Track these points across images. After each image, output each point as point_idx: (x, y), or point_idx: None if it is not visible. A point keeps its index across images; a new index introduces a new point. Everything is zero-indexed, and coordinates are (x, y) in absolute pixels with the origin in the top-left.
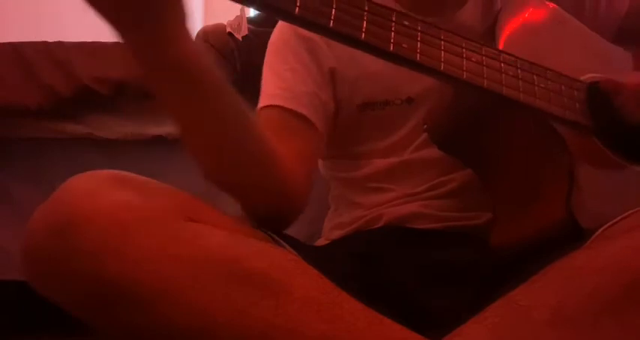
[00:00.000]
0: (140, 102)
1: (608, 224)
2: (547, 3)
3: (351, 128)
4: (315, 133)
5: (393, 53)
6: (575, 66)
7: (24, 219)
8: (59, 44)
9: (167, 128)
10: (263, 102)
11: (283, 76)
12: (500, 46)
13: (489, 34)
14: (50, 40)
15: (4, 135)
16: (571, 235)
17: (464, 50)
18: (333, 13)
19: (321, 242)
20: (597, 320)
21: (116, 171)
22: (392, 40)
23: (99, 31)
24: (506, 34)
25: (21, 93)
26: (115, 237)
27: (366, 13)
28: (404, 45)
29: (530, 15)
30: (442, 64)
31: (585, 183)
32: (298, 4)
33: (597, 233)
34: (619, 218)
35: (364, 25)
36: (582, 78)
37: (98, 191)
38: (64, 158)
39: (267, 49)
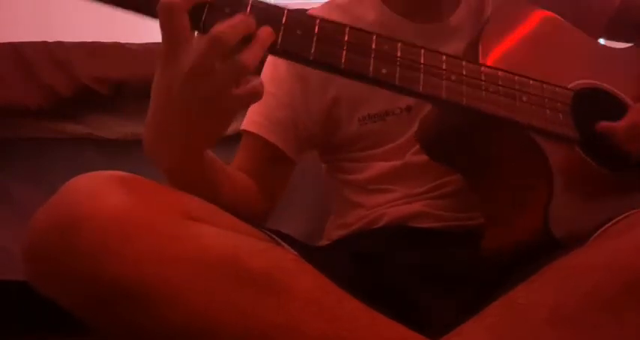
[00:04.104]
0: (140, 102)
1: (609, 224)
2: (538, 8)
3: (353, 138)
4: (286, 162)
5: (372, 78)
6: (567, 70)
7: (24, 219)
8: (59, 44)
9: None
10: (244, 124)
11: (266, 100)
12: (487, 56)
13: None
14: (50, 40)
15: (4, 135)
16: (547, 245)
17: (443, 70)
18: (314, 46)
19: (322, 242)
20: (596, 319)
21: (117, 172)
22: (371, 67)
23: (99, 31)
24: (493, 44)
25: (21, 93)
26: (116, 238)
27: (345, 43)
28: (383, 70)
29: (519, 22)
30: (421, 86)
31: (563, 194)
32: (280, 39)
33: (597, 232)
34: (619, 217)
35: (344, 54)
36: (570, 85)
37: (99, 192)
38: (64, 158)
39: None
